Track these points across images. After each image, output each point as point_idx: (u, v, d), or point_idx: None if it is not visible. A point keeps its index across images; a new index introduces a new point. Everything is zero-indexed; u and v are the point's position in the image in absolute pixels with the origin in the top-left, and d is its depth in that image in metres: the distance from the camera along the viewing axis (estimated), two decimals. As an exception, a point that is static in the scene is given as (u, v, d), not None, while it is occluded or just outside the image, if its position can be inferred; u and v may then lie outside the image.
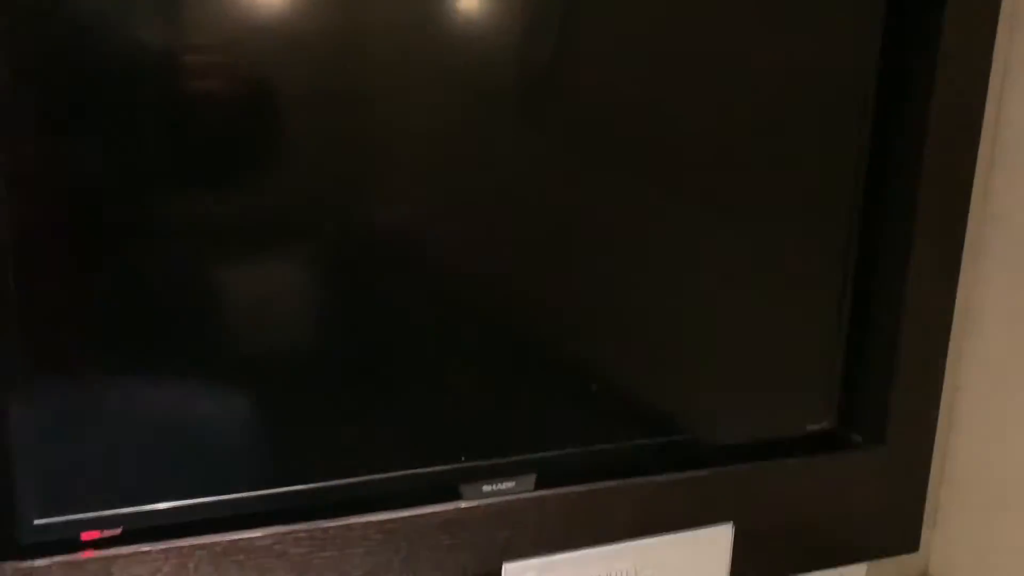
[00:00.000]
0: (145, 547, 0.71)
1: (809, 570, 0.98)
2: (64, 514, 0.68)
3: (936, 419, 1.00)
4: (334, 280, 0.76)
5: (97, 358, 0.69)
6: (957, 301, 0.98)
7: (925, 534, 1.03)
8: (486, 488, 0.82)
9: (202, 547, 0.72)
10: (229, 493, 0.73)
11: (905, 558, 1.03)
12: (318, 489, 0.76)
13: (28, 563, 0.68)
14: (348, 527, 0.76)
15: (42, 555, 0.68)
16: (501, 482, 0.82)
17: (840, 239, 0.93)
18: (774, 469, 0.92)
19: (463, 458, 0.80)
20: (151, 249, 0.68)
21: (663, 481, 0.87)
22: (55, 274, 0.66)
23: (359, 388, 0.77)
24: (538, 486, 0.84)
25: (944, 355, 0.99)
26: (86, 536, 0.70)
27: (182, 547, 0.72)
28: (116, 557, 0.70)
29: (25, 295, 0.65)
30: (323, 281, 0.76)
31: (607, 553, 0.79)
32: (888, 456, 0.97)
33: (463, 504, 0.80)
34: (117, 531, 0.71)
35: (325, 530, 0.75)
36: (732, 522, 0.83)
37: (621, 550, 0.79)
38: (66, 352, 0.68)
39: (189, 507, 0.73)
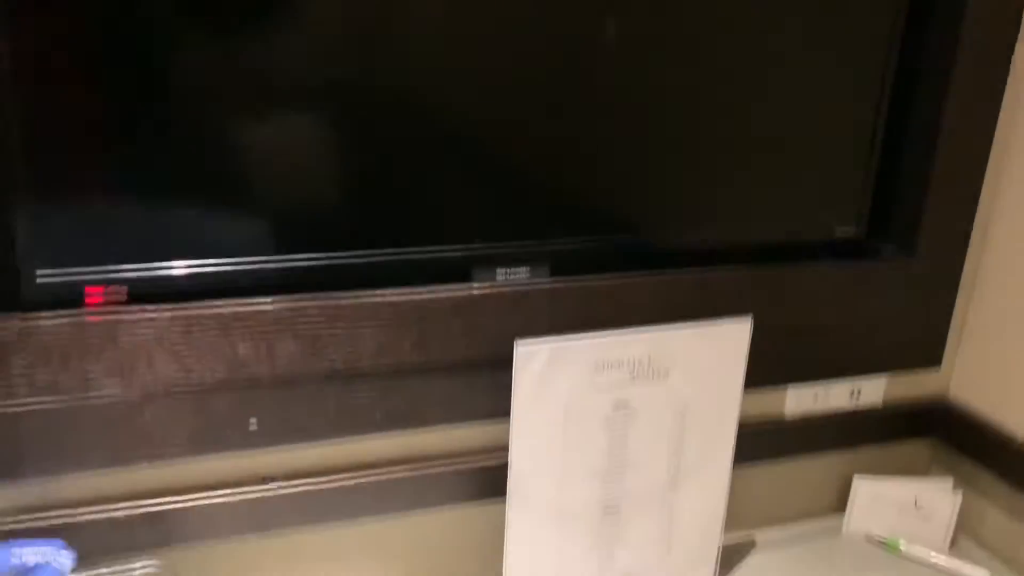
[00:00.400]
0: (151, 310, 0.69)
1: (827, 378, 0.96)
2: (68, 268, 0.67)
3: (969, 234, 0.96)
4: (349, 56, 0.72)
5: (103, 108, 0.66)
6: (1001, 117, 0.92)
7: (948, 355, 1.01)
8: (500, 274, 0.80)
9: (210, 314, 0.71)
10: (238, 259, 0.71)
11: (926, 377, 1.01)
12: (330, 263, 0.74)
13: (34, 317, 0.67)
14: (359, 304, 0.75)
15: (48, 311, 0.67)
16: (515, 269, 0.80)
17: (882, 39, 0.87)
18: (798, 271, 0.89)
19: (477, 240, 0.78)
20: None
21: (683, 277, 0.85)
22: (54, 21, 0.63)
23: (376, 162, 0.74)
24: (553, 275, 0.81)
25: (982, 169, 0.94)
26: (91, 296, 0.69)
27: (189, 313, 0.70)
28: (121, 318, 0.69)
29: (20, 43, 0.61)
30: (338, 56, 0.72)
31: (622, 339, 0.77)
32: (917, 268, 0.94)
33: (476, 288, 0.78)
34: (123, 294, 0.70)
35: (336, 305, 0.74)
36: (750, 316, 0.80)
37: (636, 337, 0.77)
38: (70, 100, 0.65)
39: (197, 272, 0.71)
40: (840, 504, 1.01)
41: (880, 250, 0.94)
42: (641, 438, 0.81)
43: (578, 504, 0.82)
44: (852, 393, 0.98)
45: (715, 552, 0.89)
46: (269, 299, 0.72)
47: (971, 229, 0.95)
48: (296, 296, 0.73)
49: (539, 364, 0.75)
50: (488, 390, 0.81)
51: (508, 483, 0.78)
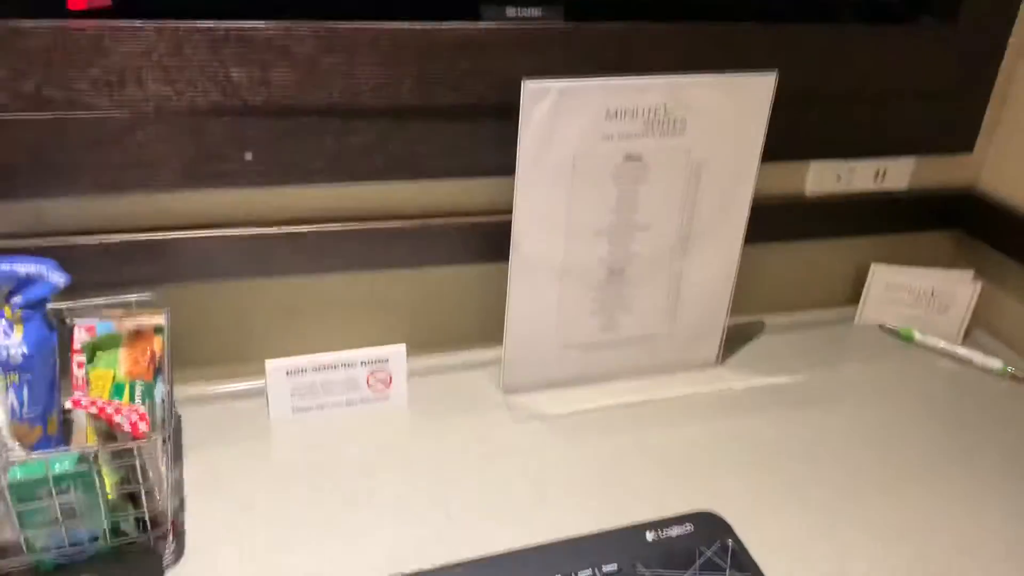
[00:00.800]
0: (138, 23, 0.66)
1: (852, 156, 0.92)
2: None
3: (1017, 8, 0.89)
4: None
5: None
6: None
7: (982, 141, 0.95)
8: (510, 12, 0.75)
9: (201, 30, 0.67)
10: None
11: (956, 163, 0.96)
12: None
13: (15, 21, 0.63)
14: (358, 31, 0.70)
15: (29, 18, 0.64)
16: (527, 8, 0.75)
17: None
18: (828, 32, 0.83)
19: (485, -29, 0.73)
20: None
21: (705, 29, 0.79)
22: None
23: None
24: (568, 18, 0.77)
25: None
26: (72, 2, 0.65)
27: (179, 28, 0.67)
28: (107, 29, 0.65)
29: None
30: None
31: (637, 83, 0.73)
32: (956, 40, 0.87)
33: (483, 25, 0.73)
34: (107, 2, 0.66)
35: (333, 30, 0.70)
36: (776, 71, 0.75)
37: (653, 82, 0.73)
38: None
39: (185, -17, 0.67)
40: (855, 296, 0.99)
41: (918, 18, 0.88)
42: (652, 195, 0.78)
43: (583, 263, 0.79)
44: (877, 175, 0.94)
45: (721, 326, 0.87)
46: (262, 22, 0.68)
47: (1020, 2, 0.88)
48: (291, 21, 0.68)
49: (548, 104, 0.71)
50: (494, 141, 0.78)
51: (512, 235, 0.75)
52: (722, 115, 0.77)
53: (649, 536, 0.67)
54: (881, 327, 0.98)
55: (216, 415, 0.78)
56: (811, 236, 0.95)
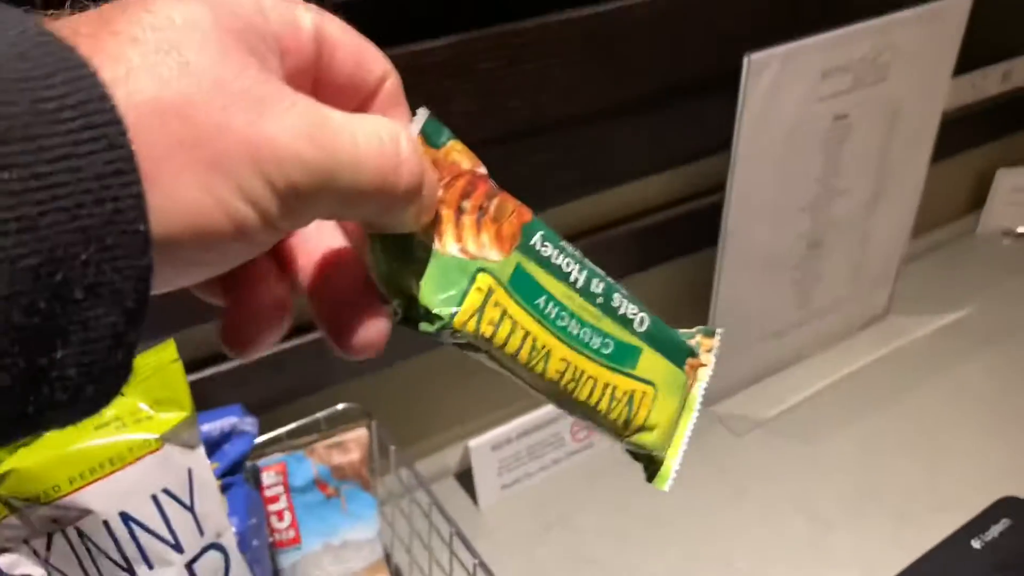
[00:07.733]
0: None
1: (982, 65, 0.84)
2: None
3: None
4: None
5: None
6: None
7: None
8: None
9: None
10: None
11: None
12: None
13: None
14: (545, 27, 0.55)
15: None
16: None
17: None
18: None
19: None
20: None
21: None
22: None
23: None
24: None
25: None
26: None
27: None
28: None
29: None
30: None
31: (850, 34, 0.61)
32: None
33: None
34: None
35: (519, 32, 0.54)
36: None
37: (866, 28, 0.61)
38: None
39: None
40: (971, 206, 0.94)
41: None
42: (853, 155, 0.68)
43: (786, 243, 0.69)
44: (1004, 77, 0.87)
45: (894, 274, 0.80)
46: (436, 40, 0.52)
47: None
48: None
49: (770, 76, 0.59)
50: (688, 124, 0.65)
51: (724, 222, 0.64)
52: (921, 51, 0.67)
53: (975, 544, 0.60)
54: (1006, 233, 0.93)
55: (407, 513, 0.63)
56: (947, 154, 0.88)
